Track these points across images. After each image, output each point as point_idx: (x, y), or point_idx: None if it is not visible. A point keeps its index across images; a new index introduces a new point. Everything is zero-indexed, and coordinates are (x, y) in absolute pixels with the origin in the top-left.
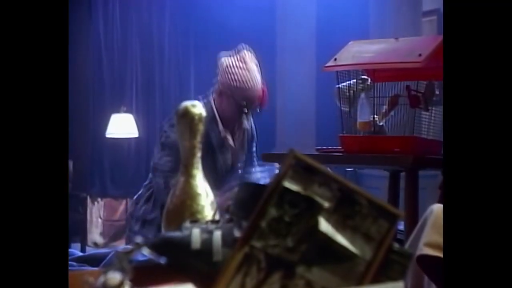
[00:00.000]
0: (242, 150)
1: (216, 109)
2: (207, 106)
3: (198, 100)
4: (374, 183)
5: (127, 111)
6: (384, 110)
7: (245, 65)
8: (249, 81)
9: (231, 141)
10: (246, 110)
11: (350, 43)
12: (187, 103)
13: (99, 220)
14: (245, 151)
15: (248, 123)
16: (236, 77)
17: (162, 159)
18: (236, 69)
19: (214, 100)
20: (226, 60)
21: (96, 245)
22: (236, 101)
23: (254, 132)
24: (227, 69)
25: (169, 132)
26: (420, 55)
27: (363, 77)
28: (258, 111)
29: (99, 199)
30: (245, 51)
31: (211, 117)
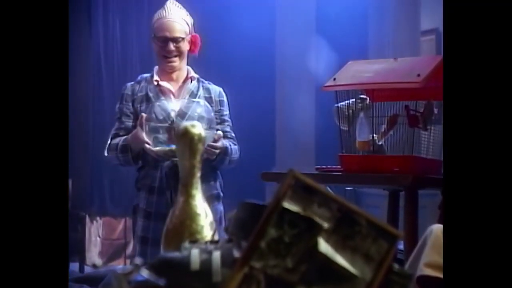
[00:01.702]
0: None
1: (157, 68)
2: (151, 74)
3: (143, 75)
4: (374, 201)
5: None
6: (383, 130)
7: (164, 7)
8: (160, 14)
9: (167, 86)
10: (165, 48)
11: (349, 63)
12: (187, 123)
13: (98, 239)
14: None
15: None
16: (155, 14)
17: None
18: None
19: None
20: None
21: (95, 266)
22: (155, 41)
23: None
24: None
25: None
26: (418, 75)
27: (361, 96)
28: (192, 54)
29: (98, 218)
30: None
31: (151, 76)
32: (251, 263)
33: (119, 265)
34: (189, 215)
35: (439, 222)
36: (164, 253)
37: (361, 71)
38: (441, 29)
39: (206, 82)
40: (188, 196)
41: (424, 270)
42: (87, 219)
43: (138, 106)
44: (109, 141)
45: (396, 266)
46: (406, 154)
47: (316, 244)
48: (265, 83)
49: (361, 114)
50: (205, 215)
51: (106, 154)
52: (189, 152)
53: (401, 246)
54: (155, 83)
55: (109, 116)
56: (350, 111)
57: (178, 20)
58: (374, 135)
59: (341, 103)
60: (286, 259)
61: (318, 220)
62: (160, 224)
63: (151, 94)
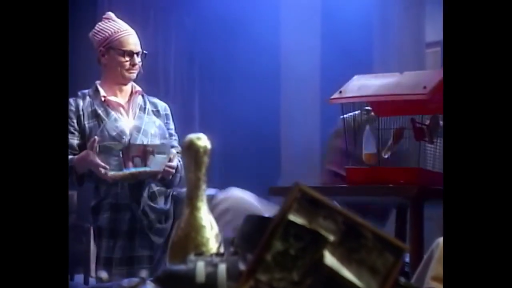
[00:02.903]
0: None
1: (104, 79)
2: (93, 86)
3: (84, 91)
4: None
5: None
6: (389, 144)
7: (109, 20)
8: (117, 27)
9: (117, 101)
10: (130, 61)
11: (355, 77)
12: (192, 136)
13: None
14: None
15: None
16: (102, 26)
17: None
18: (101, 24)
19: (102, 75)
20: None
21: (100, 280)
22: (117, 55)
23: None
24: (96, 29)
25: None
26: (425, 87)
27: (367, 108)
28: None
29: None
30: (110, 13)
31: (94, 90)
32: (257, 276)
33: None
34: (194, 228)
35: None
36: (169, 265)
37: (368, 84)
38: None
39: (150, 96)
40: (194, 209)
41: (431, 284)
42: (92, 231)
43: (86, 123)
44: None
45: (402, 279)
46: (412, 166)
47: (321, 257)
48: (270, 96)
49: (367, 127)
50: (210, 227)
51: None
52: (194, 165)
53: (407, 258)
54: (102, 98)
55: None
56: (356, 123)
57: (134, 33)
58: (380, 147)
59: (347, 115)
60: (292, 272)
61: (323, 233)
62: (125, 242)
63: (99, 110)
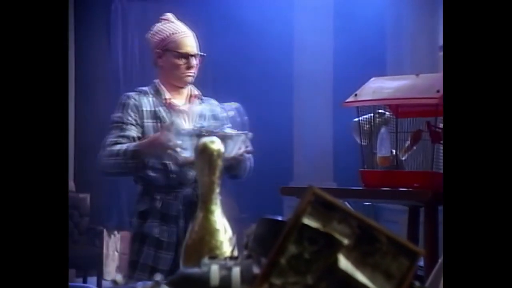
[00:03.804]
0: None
1: (161, 81)
2: (152, 85)
3: (144, 87)
4: (393, 217)
5: None
6: (407, 145)
7: (168, 21)
8: (175, 29)
9: (180, 105)
10: (186, 64)
11: (372, 79)
12: (206, 140)
13: (116, 253)
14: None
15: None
16: (160, 28)
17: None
18: (159, 25)
19: (159, 77)
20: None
21: (115, 283)
22: (174, 57)
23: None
24: (153, 31)
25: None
26: (438, 91)
27: (380, 111)
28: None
29: (115, 232)
30: (168, 14)
31: (155, 90)
32: (271, 280)
33: (139, 281)
34: (208, 231)
35: None
36: (183, 268)
37: (383, 87)
38: None
39: (206, 98)
40: (207, 212)
41: None
42: (105, 234)
43: (145, 121)
44: (106, 148)
45: (417, 283)
46: (426, 170)
47: (336, 260)
48: (283, 97)
49: (382, 129)
50: (224, 230)
51: (102, 160)
52: (208, 168)
53: (421, 262)
54: (165, 100)
55: None
56: (370, 125)
57: (192, 35)
58: (395, 150)
59: (361, 117)
60: (306, 276)
61: (338, 236)
62: (171, 255)
63: (161, 112)
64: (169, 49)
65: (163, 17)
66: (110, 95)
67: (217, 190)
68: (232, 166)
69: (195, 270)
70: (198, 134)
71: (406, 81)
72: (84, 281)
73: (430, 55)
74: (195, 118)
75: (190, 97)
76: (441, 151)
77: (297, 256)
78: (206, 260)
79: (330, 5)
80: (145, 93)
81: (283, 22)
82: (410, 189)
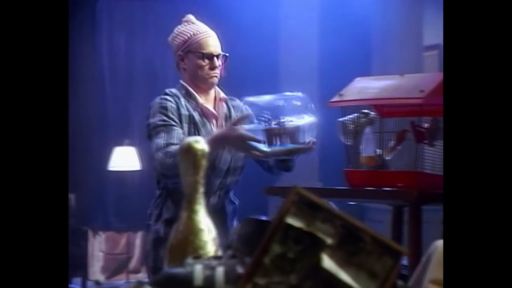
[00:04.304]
0: (226, 120)
1: (187, 84)
2: (178, 87)
3: (171, 89)
4: (378, 216)
5: (130, 144)
6: (391, 145)
7: (189, 23)
8: (196, 30)
9: (211, 109)
10: (210, 64)
11: (356, 79)
12: (190, 139)
13: (101, 253)
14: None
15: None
16: (181, 30)
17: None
18: (180, 27)
19: (182, 80)
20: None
21: (97, 283)
22: (196, 58)
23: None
24: (174, 33)
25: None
26: (422, 91)
27: (364, 111)
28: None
29: (100, 233)
30: (189, 16)
31: (184, 93)
32: (255, 280)
33: (121, 280)
34: (192, 231)
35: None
36: (167, 269)
37: (368, 87)
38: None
39: (231, 100)
40: (191, 212)
41: (430, 287)
42: (90, 234)
43: (183, 125)
44: (163, 151)
45: (400, 282)
46: (410, 169)
47: (320, 260)
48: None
49: (367, 129)
50: (208, 230)
51: (162, 162)
52: (192, 168)
53: (405, 261)
54: (198, 105)
55: (113, 131)
56: (355, 126)
57: (215, 35)
58: (380, 150)
59: (346, 117)
60: (290, 276)
61: (322, 236)
62: None
63: (196, 118)
64: (191, 50)
65: (184, 19)
66: (95, 94)
67: (201, 189)
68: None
69: (179, 270)
70: (269, 128)
71: (391, 81)
72: (69, 282)
73: (415, 55)
74: (222, 123)
75: (219, 100)
76: (426, 150)
77: (281, 255)
78: (190, 260)
79: (316, 6)
80: (178, 97)
81: (268, 22)
82: (395, 189)
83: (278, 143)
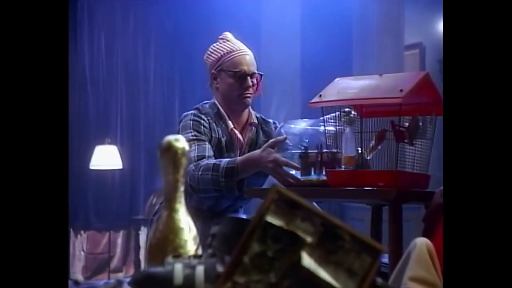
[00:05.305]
0: (251, 147)
1: (219, 104)
2: (211, 105)
3: (204, 106)
4: (358, 215)
5: (111, 142)
6: (371, 145)
7: (224, 40)
8: (231, 48)
9: (239, 135)
10: (242, 84)
11: (336, 79)
12: (170, 138)
13: (82, 253)
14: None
15: (253, 116)
16: (215, 47)
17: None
18: (215, 45)
19: (215, 98)
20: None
21: (76, 283)
22: (228, 77)
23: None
24: (209, 51)
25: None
26: (401, 90)
27: (345, 109)
28: (257, 92)
29: (82, 232)
30: (226, 33)
31: (215, 113)
32: (234, 278)
33: (102, 280)
34: (172, 230)
35: (423, 236)
36: (147, 268)
37: (347, 87)
38: (425, 43)
39: (263, 122)
40: (172, 211)
41: (409, 284)
42: (71, 233)
43: (212, 145)
44: (194, 163)
45: (379, 280)
46: (390, 169)
47: (299, 258)
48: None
49: (347, 129)
50: (188, 229)
51: (195, 175)
52: (172, 167)
53: (385, 259)
54: (228, 129)
55: (94, 131)
56: (335, 126)
57: (250, 54)
58: (361, 150)
59: (326, 116)
60: (270, 274)
61: (301, 234)
62: None
63: (223, 142)
64: (223, 69)
65: (220, 37)
66: (76, 92)
67: (182, 188)
68: None
69: (158, 269)
70: (303, 154)
71: (370, 81)
72: None
73: (396, 54)
74: (246, 150)
75: (246, 125)
76: (406, 150)
77: (260, 254)
78: (170, 259)
79: (296, 6)
80: (210, 117)
81: (249, 22)
82: (375, 188)
83: (313, 172)
